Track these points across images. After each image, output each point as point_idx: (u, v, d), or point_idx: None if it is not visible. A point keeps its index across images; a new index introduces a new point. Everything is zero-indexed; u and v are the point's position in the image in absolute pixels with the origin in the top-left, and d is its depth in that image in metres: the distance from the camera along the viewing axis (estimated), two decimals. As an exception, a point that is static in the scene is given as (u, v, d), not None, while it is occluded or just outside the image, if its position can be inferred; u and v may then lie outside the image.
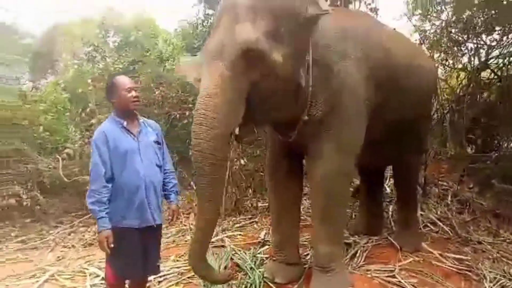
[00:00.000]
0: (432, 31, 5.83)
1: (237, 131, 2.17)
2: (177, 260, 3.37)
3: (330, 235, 2.63)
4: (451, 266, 3.11)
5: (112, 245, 2.05)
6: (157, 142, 2.30)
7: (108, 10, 13.66)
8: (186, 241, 3.92)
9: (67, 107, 5.78)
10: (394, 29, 3.39)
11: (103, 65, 8.03)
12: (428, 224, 4.01)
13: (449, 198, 4.44)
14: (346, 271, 2.78)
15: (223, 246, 3.65)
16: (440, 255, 3.30)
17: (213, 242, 3.67)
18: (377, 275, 2.93)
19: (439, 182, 4.85)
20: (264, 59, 2.04)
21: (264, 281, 2.86)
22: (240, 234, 4.02)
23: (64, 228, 4.42)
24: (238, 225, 4.32)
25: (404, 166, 3.55)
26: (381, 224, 3.87)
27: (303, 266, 2.99)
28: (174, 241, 3.95)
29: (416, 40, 5.58)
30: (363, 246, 3.51)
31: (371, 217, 3.81)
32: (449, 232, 3.82)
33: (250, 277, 2.90)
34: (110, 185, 2.10)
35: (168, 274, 3.08)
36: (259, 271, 2.97)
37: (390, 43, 2.93)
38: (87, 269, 3.15)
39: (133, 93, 2.21)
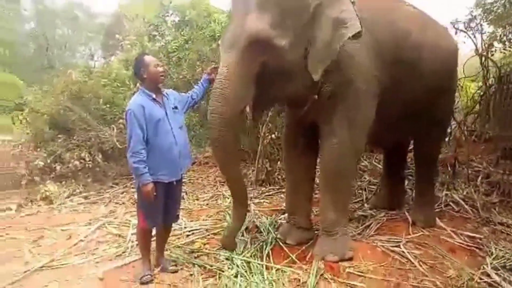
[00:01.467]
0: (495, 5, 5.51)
1: (247, 109, 2.54)
2: (206, 220, 3.85)
3: (335, 203, 2.89)
4: (460, 242, 3.19)
5: (155, 194, 2.52)
6: (175, 108, 2.71)
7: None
8: (218, 204, 4.40)
9: (126, 82, 6.44)
10: (414, 7, 3.37)
11: (163, 43, 8.65)
12: (451, 203, 4.03)
13: (479, 180, 4.37)
14: (348, 237, 3.02)
15: (248, 211, 4.04)
16: (453, 232, 3.39)
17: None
18: (382, 244, 3.12)
19: (473, 163, 4.75)
20: (270, 46, 2.35)
21: (277, 241, 3.22)
22: (266, 202, 4.39)
23: (118, 188, 5.15)
24: (266, 194, 4.69)
25: (423, 141, 3.61)
26: (402, 200, 3.98)
27: (314, 231, 3.27)
28: (207, 204, 4.45)
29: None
30: (379, 219, 3.70)
31: (391, 192, 3.94)
32: (471, 212, 3.83)
33: (265, 238, 3.28)
34: (146, 148, 2.53)
35: (197, 230, 3.56)
36: (275, 233, 3.33)
37: (403, 22, 3.01)
38: (130, 221, 3.76)
39: (160, 69, 2.62)
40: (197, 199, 4.63)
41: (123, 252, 3.12)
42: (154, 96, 2.62)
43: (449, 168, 4.63)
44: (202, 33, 8.31)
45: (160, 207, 2.63)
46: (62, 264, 2.93)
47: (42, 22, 26.19)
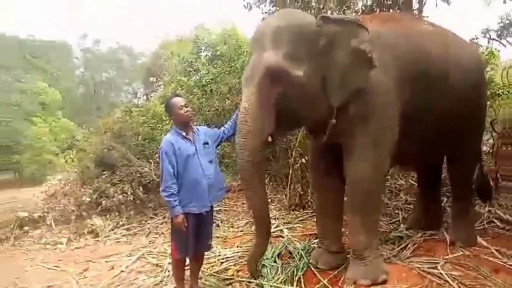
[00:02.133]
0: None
1: (269, 139, 2.66)
2: (240, 247, 3.92)
3: (363, 226, 2.85)
4: (504, 262, 3.00)
5: (186, 225, 2.68)
6: (206, 143, 2.87)
7: (199, 28, 15.25)
8: (252, 231, 4.46)
9: (162, 118, 6.84)
10: (433, 25, 3.36)
11: (197, 78, 9.11)
12: (494, 220, 3.81)
13: (525, 193, 4.10)
14: (381, 259, 2.95)
15: (281, 236, 4.08)
16: (497, 250, 3.20)
17: (273, 232, 4.15)
18: (418, 266, 3.01)
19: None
20: (286, 76, 2.52)
21: (309, 267, 3.21)
22: (299, 227, 4.39)
23: (158, 219, 5.38)
24: (300, 219, 4.68)
25: (455, 158, 3.50)
26: (439, 219, 3.82)
27: (346, 254, 3.23)
28: (242, 231, 4.53)
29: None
30: (415, 240, 3.58)
31: (427, 211, 3.80)
32: (517, 229, 3.60)
33: (297, 263, 3.29)
34: (176, 182, 2.71)
35: (231, 257, 3.64)
36: (307, 258, 3.33)
37: (424, 41, 3.00)
38: (167, 250, 3.90)
39: (185, 109, 2.83)
40: (232, 227, 4.73)
41: (160, 281, 3.26)
42: (184, 134, 2.82)
43: (491, 182, 4.40)
44: (233, 65, 8.68)
45: (191, 238, 2.76)
46: (105, 295, 3.12)
47: (90, 67, 28.55)
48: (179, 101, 2.87)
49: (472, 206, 3.68)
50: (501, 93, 5.18)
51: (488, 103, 4.35)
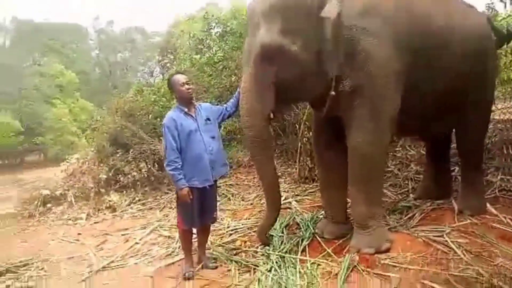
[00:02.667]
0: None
1: (271, 115, 2.70)
2: (248, 219, 4.02)
3: (365, 195, 2.87)
4: (512, 230, 2.99)
5: (191, 197, 2.77)
6: (208, 119, 2.92)
7: (210, 5, 15.05)
8: (262, 204, 4.55)
9: (172, 97, 6.89)
10: None
11: (209, 55, 9.08)
12: (506, 188, 3.75)
13: (540, 161, 3.99)
14: (384, 228, 2.98)
15: (289, 208, 4.14)
16: (506, 218, 3.16)
17: (282, 204, 4.19)
18: (424, 234, 3.02)
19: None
20: (282, 52, 2.53)
21: (314, 236, 3.28)
22: (308, 199, 4.45)
23: (172, 194, 5.52)
24: (309, 191, 4.73)
25: (464, 127, 3.41)
26: (448, 189, 3.78)
27: (351, 224, 3.26)
28: (252, 204, 4.62)
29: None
30: (423, 210, 3.57)
31: (436, 181, 3.76)
32: (530, 196, 3.54)
33: (303, 233, 3.36)
34: (180, 156, 2.79)
35: (239, 229, 3.75)
36: (313, 229, 3.39)
37: (427, 12, 2.90)
38: (179, 223, 4.05)
39: (186, 86, 2.86)
40: (243, 200, 4.82)
41: (172, 252, 3.41)
42: (186, 110, 2.87)
43: (504, 151, 4.29)
44: (243, 40, 8.55)
45: (195, 210, 2.86)
46: (120, 265, 3.29)
47: (105, 48, 28.79)
48: (180, 78, 2.90)
49: (481, 175, 3.62)
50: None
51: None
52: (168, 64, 15.64)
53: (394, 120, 2.83)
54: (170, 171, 2.79)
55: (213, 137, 2.92)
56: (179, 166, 2.77)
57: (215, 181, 3.00)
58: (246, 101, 2.66)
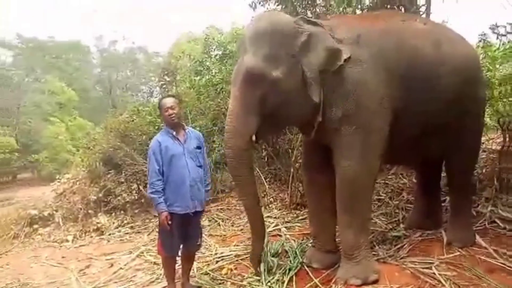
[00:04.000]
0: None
1: (254, 138, 2.71)
2: (237, 245, 3.95)
3: (352, 225, 2.84)
4: (501, 263, 2.94)
5: (170, 222, 2.73)
6: (198, 147, 2.92)
7: (210, 27, 15.34)
8: (251, 230, 4.48)
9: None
10: (425, 23, 3.30)
11: (207, 78, 9.17)
12: (496, 220, 3.71)
13: (530, 192, 3.97)
14: (372, 259, 2.93)
15: (279, 235, 4.08)
16: (495, 251, 3.13)
17: (271, 231, 4.18)
18: (412, 266, 2.98)
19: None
20: (264, 78, 2.58)
21: (302, 266, 3.21)
22: (298, 226, 4.39)
23: (161, 217, 5.47)
24: (300, 218, 4.67)
25: (453, 156, 3.40)
26: (438, 219, 3.75)
27: (339, 254, 3.21)
28: (241, 229, 4.55)
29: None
30: (413, 240, 3.53)
31: (426, 212, 3.74)
32: (520, 228, 3.50)
33: (291, 262, 3.30)
34: (162, 180, 2.78)
35: (227, 255, 3.67)
36: (301, 257, 3.33)
37: (414, 41, 2.95)
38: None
39: (169, 112, 2.86)
40: (232, 225, 4.76)
41: (156, 279, 3.33)
42: (173, 133, 2.88)
43: (495, 181, 4.28)
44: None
45: (175, 237, 2.82)
46: (102, 291, 3.21)
47: (107, 67, 29.14)
48: (166, 102, 2.92)
49: (470, 205, 3.60)
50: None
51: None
52: (166, 85, 15.78)
53: (382, 149, 2.83)
54: (151, 194, 2.79)
55: (199, 166, 2.90)
56: (160, 189, 2.76)
57: (201, 209, 2.95)
58: (230, 122, 2.71)
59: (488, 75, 5.11)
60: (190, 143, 2.90)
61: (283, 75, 2.59)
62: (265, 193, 5.48)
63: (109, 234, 4.94)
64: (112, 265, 3.80)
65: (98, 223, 5.12)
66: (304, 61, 2.64)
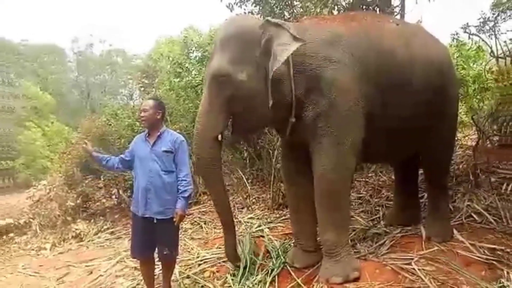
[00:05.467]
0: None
1: (219, 137, 2.78)
2: (219, 247, 3.91)
3: (331, 223, 2.87)
4: (478, 256, 3.00)
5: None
6: (167, 151, 2.82)
7: (188, 29, 15.26)
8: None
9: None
10: (398, 23, 3.37)
11: (188, 79, 9.08)
12: (473, 215, 3.80)
13: (504, 187, 4.11)
14: (352, 256, 2.95)
15: (262, 236, 4.07)
16: (472, 244, 3.20)
17: (254, 232, 4.17)
18: (393, 262, 3.02)
19: (497, 170, 4.48)
20: (229, 80, 2.64)
21: (284, 266, 3.22)
22: (280, 226, 4.39)
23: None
24: (282, 218, 4.68)
25: (429, 153, 3.48)
26: (417, 215, 3.82)
27: (321, 253, 3.23)
28: (224, 232, 4.52)
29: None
30: (393, 237, 3.58)
31: (405, 208, 3.79)
32: (494, 222, 3.60)
33: (273, 263, 3.29)
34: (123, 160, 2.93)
35: (209, 259, 3.64)
36: (283, 257, 3.34)
37: (387, 41, 3.00)
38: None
39: (141, 114, 2.89)
40: (215, 228, 4.72)
41: (137, 285, 3.28)
42: (147, 135, 2.88)
43: (471, 177, 4.41)
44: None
45: (138, 238, 2.85)
46: (81, 300, 3.13)
47: (84, 70, 28.54)
48: (142, 104, 3.00)
49: (447, 200, 3.66)
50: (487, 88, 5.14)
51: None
52: (145, 88, 15.59)
53: (358, 147, 2.86)
54: None
55: (166, 171, 2.80)
56: (111, 158, 2.98)
57: (171, 217, 2.77)
58: (198, 121, 2.80)
59: (462, 73, 5.27)
60: (159, 146, 2.83)
61: (248, 77, 2.64)
62: (247, 194, 5.46)
63: (89, 241, 4.84)
64: (91, 272, 3.72)
65: (77, 229, 5.01)
66: (266, 64, 2.66)
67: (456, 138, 3.93)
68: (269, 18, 2.76)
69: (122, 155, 2.98)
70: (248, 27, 2.75)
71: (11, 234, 5.29)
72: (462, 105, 5.05)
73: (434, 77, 3.13)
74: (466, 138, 5.76)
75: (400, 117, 3.02)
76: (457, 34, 5.58)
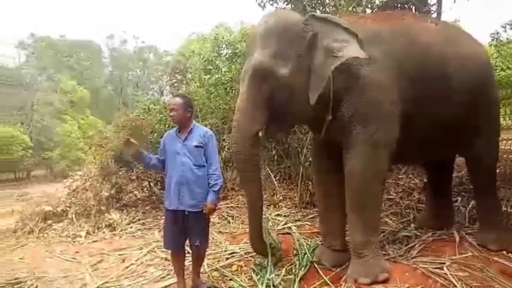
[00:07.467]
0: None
1: (260, 134, 2.74)
2: (247, 243, 3.95)
3: (362, 225, 2.84)
4: (515, 264, 2.91)
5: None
6: (198, 146, 2.87)
7: (220, 26, 15.41)
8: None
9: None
10: (437, 23, 3.28)
11: (218, 76, 9.22)
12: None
13: (545, 193, 3.93)
14: (381, 258, 2.92)
15: (289, 233, 4.09)
16: (508, 252, 3.10)
17: (281, 229, 4.19)
18: (423, 266, 2.96)
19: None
20: (272, 75, 2.60)
21: (312, 264, 3.23)
22: (308, 224, 4.39)
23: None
24: (310, 217, 4.68)
25: (473, 159, 3.38)
26: (449, 219, 3.73)
27: (349, 252, 3.21)
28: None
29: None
30: (424, 240, 3.51)
31: (437, 211, 3.73)
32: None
33: (300, 260, 3.31)
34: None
35: (237, 253, 3.70)
36: (310, 256, 3.34)
37: (423, 38, 2.95)
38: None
39: (171, 112, 2.95)
40: (243, 223, 4.77)
41: (167, 274, 3.37)
42: (177, 131, 2.96)
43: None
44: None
45: (172, 232, 2.93)
46: (114, 286, 3.27)
47: (117, 66, 29.47)
48: (170, 102, 3.05)
49: (498, 205, 3.50)
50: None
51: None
52: (177, 84, 15.90)
53: (393, 148, 2.82)
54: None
55: (198, 165, 2.85)
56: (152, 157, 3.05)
57: (201, 210, 2.84)
58: (236, 118, 2.76)
59: (501, 75, 5.06)
60: (190, 141, 2.88)
61: (290, 73, 2.61)
62: (274, 191, 5.48)
63: (121, 230, 5.00)
64: (124, 260, 3.85)
65: (110, 219, 5.18)
66: (309, 60, 2.64)
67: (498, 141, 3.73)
68: (314, 13, 2.74)
69: (157, 156, 3.03)
70: (291, 22, 2.71)
71: (49, 221, 5.54)
72: (504, 107, 4.86)
73: (472, 78, 3.04)
74: (505, 142, 5.53)
75: (437, 119, 2.97)
76: (497, 33, 5.35)
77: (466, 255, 3.11)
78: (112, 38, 29.44)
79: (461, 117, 3.07)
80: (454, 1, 5.23)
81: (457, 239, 3.35)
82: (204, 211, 2.84)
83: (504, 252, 3.10)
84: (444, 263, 2.98)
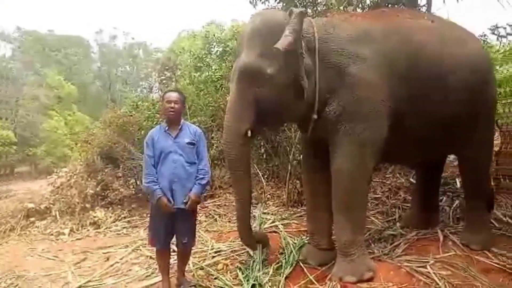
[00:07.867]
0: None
1: (250, 133, 2.74)
2: (233, 241, 3.94)
3: (347, 223, 2.84)
4: (496, 263, 2.95)
5: (172, 203, 2.78)
6: (190, 143, 2.87)
7: (210, 24, 15.32)
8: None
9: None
10: (433, 20, 3.25)
11: (208, 73, 9.16)
12: (492, 221, 3.72)
13: (527, 193, 3.99)
14: (366, 257, 2.93)
15: (276, 232, 4.08)
16: (490, 251, 3.13)
17: (268, 228, 4.18)
18: (407, 264, 2.99)
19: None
20: (259, 74, 2.62)
21: (297, 262, 3.22)
22: (295, 223, 4.39)
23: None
24: (297, 215, 4.68)
25: (468, 158, 3.36)
26: (435, 218, 3.76)
27: (335, 251, 3.22)
28: (238, 226, 4.54)
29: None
30: (409, 239, 3.54)
31: (423, 210, 3.74)
32: (517, 229, 3.51)
33: (287, 259, 3.30)
34: (156, 171, 2.83)
35: (223, 251, 3.68)
36: (297, 254, 3.34)
37: (417, 36, 2.92)
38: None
39: (172, 105, 2.86)
40: (229, 221, 4.75)
41: (152, 273, 3.33)
42: (166, 128, 2.88)
43: (491, 182, 4.29)
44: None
45: (161, 229, 2.87)
46: (97, 285, 3.22)
47: (106, 62, 29.10)
48: (171, 95, 2.93)
49: (486, 208, 3.47)
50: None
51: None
52: (165, 81, 15.78)
53: (380, 147, 2.83)
54: (146, 184, 2.85)
55: (189, 163, 2.86)
56: (155, 179, 2.80)
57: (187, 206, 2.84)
58: (227, 117, 2.79)
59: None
60: (182, 138, 2.87)
61: (276, 72, 2.61)
62: (262, 190, 5.47)
63: (106, 228, 4.93)
64: (108, 258, 3.80)
65: (95, 217, 5.11)
66: (292, 58, 2.62)
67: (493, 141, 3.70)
68: (293, 8, 2.72)
69: (151, 171, 2.83)
70: (276, 21, 2.70)
71: (32, 219, 5.42)
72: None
73: (469, 76, 2.98)
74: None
75: (433, 117, 2.93)
76: (485, 35, 5.42)
77: (449, 254, 3.14)
78: (101, 33, 29.08)
79: (459, 116, 3.01)
80: (444, 1, 5.28)
81: (441, 238, 3.38)
82: (187, 203, 2.81)
83: (487, 251, 3.13)
84: (427, 261, 3.00)
